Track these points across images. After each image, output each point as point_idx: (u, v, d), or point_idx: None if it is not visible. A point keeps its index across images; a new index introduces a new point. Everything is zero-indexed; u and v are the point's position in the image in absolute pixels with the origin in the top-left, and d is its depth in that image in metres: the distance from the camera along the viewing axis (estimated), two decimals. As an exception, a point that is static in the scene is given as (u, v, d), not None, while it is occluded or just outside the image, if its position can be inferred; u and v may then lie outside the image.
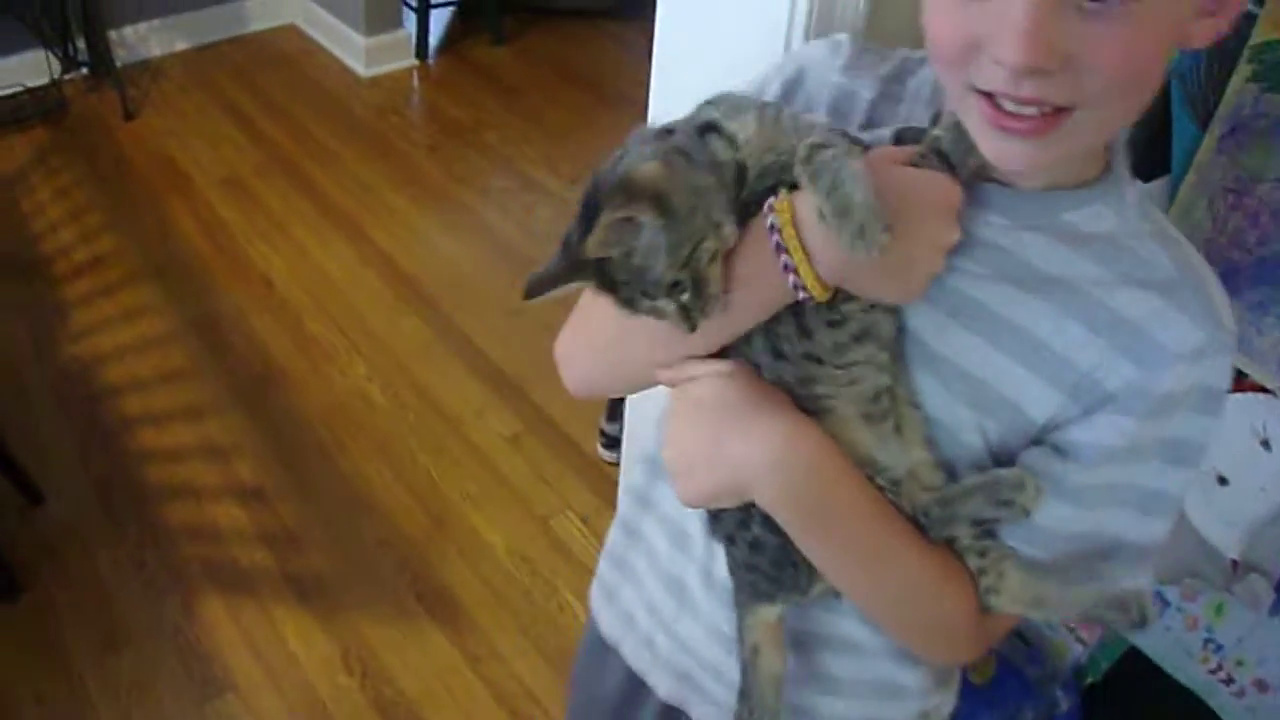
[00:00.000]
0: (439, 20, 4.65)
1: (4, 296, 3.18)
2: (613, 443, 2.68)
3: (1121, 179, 0.88)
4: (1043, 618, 0.92)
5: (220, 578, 2.44)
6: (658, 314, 0.81)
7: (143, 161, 3.79)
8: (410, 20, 4.47)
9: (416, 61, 4.49)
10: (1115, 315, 0.84)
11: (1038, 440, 0.88)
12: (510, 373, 2.97)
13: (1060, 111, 0.75)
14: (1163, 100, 1.53)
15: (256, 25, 4.64)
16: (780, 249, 0.79)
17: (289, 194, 3.64)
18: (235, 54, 4.49)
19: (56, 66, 4.02)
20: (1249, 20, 1.39)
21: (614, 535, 1.19)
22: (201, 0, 4.46)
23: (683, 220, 0.79)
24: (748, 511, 0.89)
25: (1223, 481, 1.61)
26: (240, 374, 2.95)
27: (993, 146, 0.80)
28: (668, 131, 0.84)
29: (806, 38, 1.24)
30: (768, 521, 0.88)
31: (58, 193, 3.60)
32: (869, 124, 0.94)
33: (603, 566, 1.22)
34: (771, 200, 0.80)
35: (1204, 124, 1.48)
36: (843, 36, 1.00)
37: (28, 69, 4.02)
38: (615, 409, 2.60)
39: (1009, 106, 0.76)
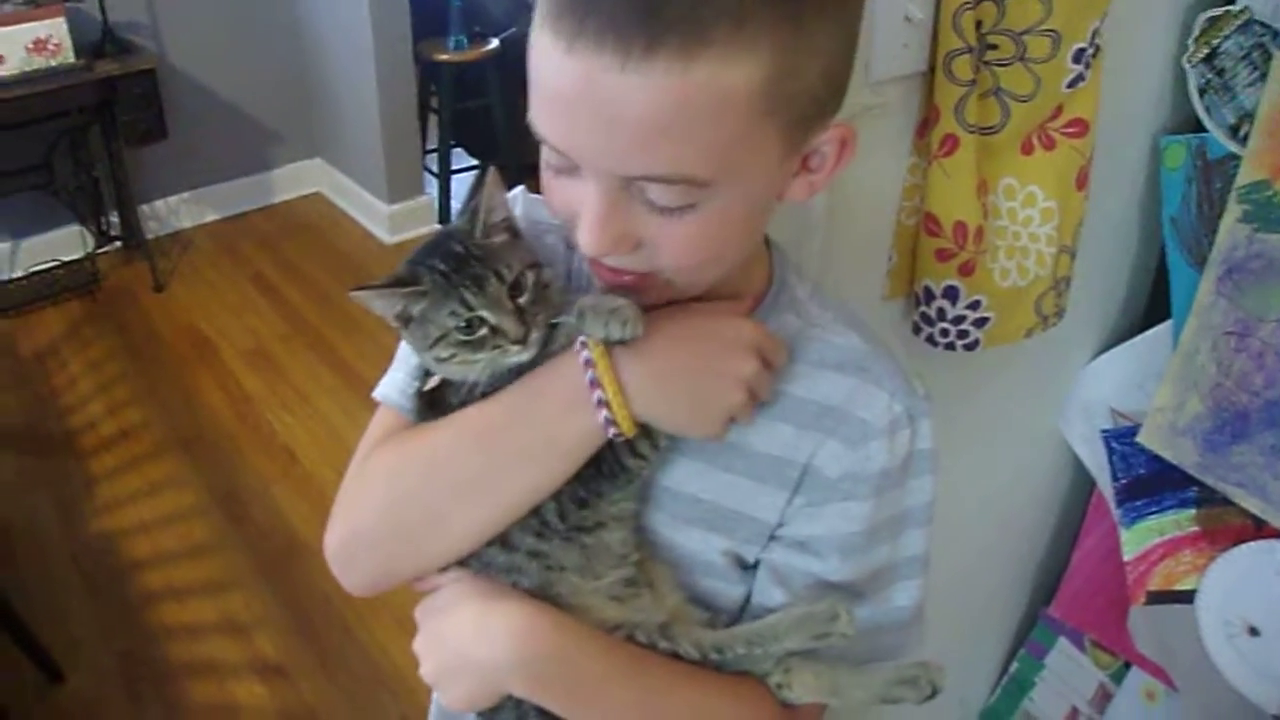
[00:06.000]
0: (461, 185, 4.85)
1: (33, 471, 3.34)
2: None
3: (788, 282, 0.97)
4: (843, 704, 0.97)
5: (241, 756, 2.51)
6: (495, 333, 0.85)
7: (171, 333, 3.99)
8: (433, 186, 4.69)
9: (440, 227, 4.66)
10: (820, 405, 0.91)
11: (775, 536, 0.94)
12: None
13: (645, 274, 0.84)
14: (1159, 245, 1.59)
15: (283, 195, 4.90)
16: (594, 384, 0.84)
17: (313, 364, 3.80)
18: (263, 224, 4.73)
19: (90, 241, 4.27)
20: (1235, 161, 1.44)
21: None
22: (229, 172, 4.72)
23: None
24: (519, 704, 0.91)
25: (1254, 632, 1.61)
26: (263, 548, 3.06)
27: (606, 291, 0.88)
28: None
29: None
30: (541, 709, 0.90)
31: (88, 366, 3.80)
32: (568, 270, 1.01)
33: None
34: (583, 338, 0.85)
35: (1200, 266, 1.51)
36: (518, 191, 1.05)
37: (62, 244, 4.29)
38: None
39: (607, 263, 0.84)
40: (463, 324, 0.84)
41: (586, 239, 0.79)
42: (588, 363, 0.84)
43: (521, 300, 0.85)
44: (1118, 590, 1.75)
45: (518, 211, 1.02)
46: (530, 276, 0.86)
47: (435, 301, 0.85)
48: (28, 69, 3.60)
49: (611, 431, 0.85)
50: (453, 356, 0.86)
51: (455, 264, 0.85)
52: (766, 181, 0.81)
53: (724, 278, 0.90)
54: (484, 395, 0.89)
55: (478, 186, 0.88)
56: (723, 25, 0.70)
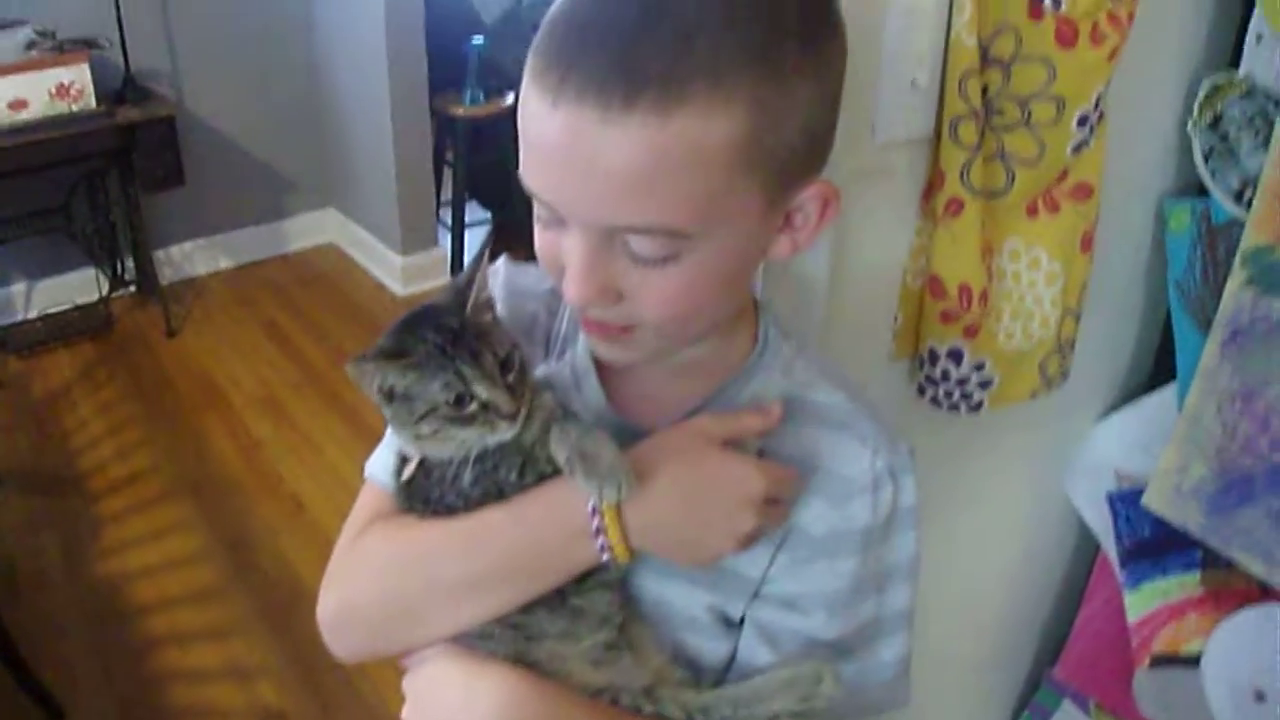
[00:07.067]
0: (475, 238, 4.88)
1: (41, 511, 3.35)
2: None
3: (774, 343, 0.98)
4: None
5: (239, 805, 2.50)
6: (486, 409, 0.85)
7: (182, 378, 4.01)
8: (446, 239, 4.71)
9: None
10: (805, 464, 0.92)
11: (760, 594, 0.94)
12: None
13: (629, 326, 0.86)
14: (1164, 308, 1.60)
15: (297, 244, 4.94)
16: (599, 531, 0.86)
17: (323, 413, 3.82)
18: (276, 272, 4.76)
19: (105, 284, 4.31)
20: (1239, 225, 1.44)
21: None
22: (245, 220, 4.77)
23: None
24: None
25: (1260, 697, 1.58)
26: (268, 595, 3.06)
27: (592, 344, 0.93)
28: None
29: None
30: None
31: (100, 408, 3.81)
32: (547, 334, 1.05)
33: None
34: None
35: (1206, 329, 1.51)
36: (500, 262, 1.09)
37: (77, 287, 4.33)
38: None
39: (591, 315, 0.87)
40: (454, 398, 0.85)
41: (572, 290, 0.82)
42: (595, 510, 0.86)
43: (510, 378, 0.87)
44: (1122, 653, 1.75)
45: (500, 279, 1.06)
46: (517, 356, 0.88)
47: (427, 374, 0.85)
48: (50, 114, 3.65)
49: (607, 559, 0.87)
50: (436, 432, 0.87)
51: (451, 337, 0.86)
52: (748, 236, 0.83)
53: (708, 335, 0.92)
54: (468, 490, 0.90)
55: (477, 264, 0.90)
56: (700, 81, 0.73)
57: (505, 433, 0.87)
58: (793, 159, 0.81)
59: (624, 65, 0.73)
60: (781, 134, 0.78)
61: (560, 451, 0.87)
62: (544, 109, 0.76)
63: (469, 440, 0.87)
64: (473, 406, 0.85)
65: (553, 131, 0.76)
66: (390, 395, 0.87)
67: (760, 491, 0.87)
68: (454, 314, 0.88)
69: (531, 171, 0.81)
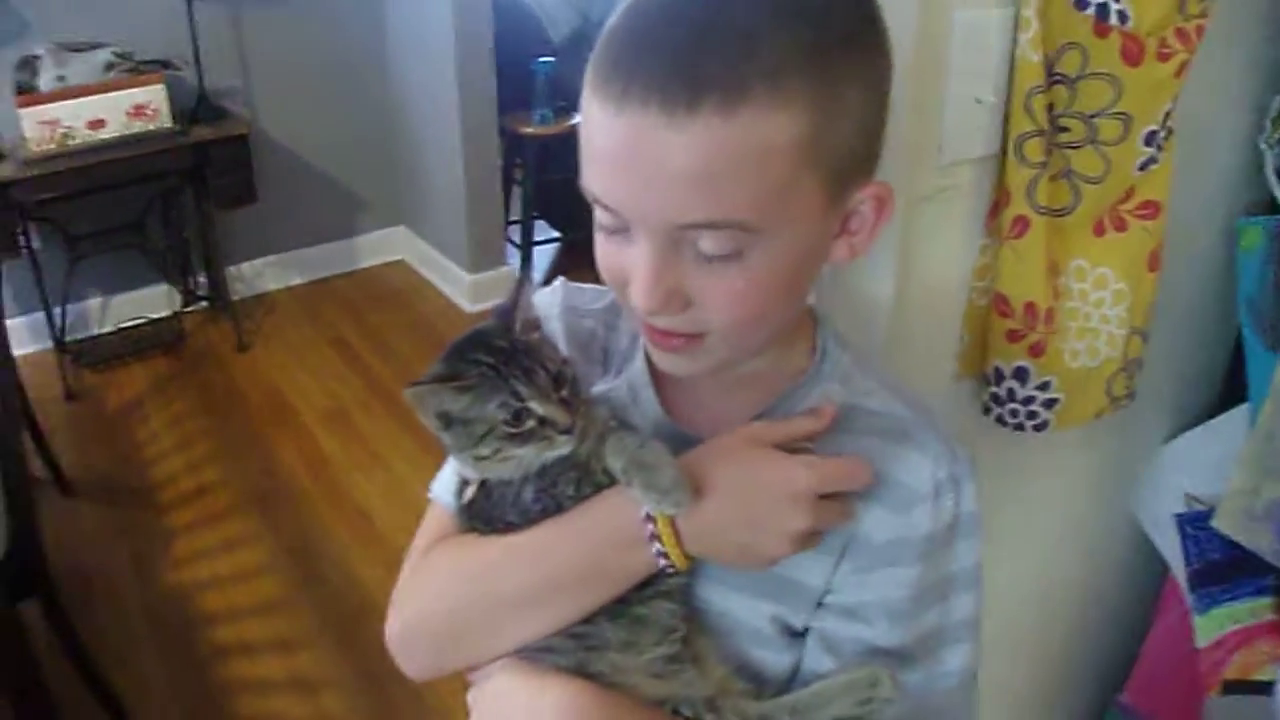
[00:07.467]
0: (543, 257, 4.92)
1: (112, 520, 3.42)
2: None
3: (832, 354, 0.99)
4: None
5: (303, 815, 2.53)
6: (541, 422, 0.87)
7: (252, 393, 4.08)
8: (515, 257, 4.75)
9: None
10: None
11: (822, 603, 0.94)
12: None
13: (697, 335, 0.87)
14: (1235, 327, 1.59)
15: (367, 261, 5.02)
16: (653, 536, 0.87)
17: (391, 429, 3.86)
18: (346, 289, 4.84)
19: (178, 300, 4.41)
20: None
21: None
22: (316, 237, 4.85)
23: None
24: None
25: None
26: (334, 607, 3.09)
27: (657, 358, 0.93)
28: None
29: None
30: None
31: (171, 421, 3.89)
32: (605, 351, 1.07)
33: None
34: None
35: (1277, 348, 1.51)
36: (558, 282, 1.11)
37: (151, 302, 4.43)
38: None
39: (658, 324, 0.87)
40: (510, 416, 0.86)
41: (639, 296, 0.83)
42: (648, 517, 0.87)
43: (564, 393, 0.88)
44: (1192, 678, 1.72)
45: (558, 299, 1.08)
46: (568, 371, 0.90)
47: (482, 395, 0.87)
48: (127, 133, 3.74)
49: (664, 565, 0.89)
50: (496, 453, 0.88)
51: (503, 357, 0.87)
52: (810, 235, 0.85)
53: (769, 345, 0.94)
54: (528, 508, 0.92)
55: (519, 286, 0.92)
56: (759, 84, 0.75)
57: (563, 447, 0.88)
58: (850, 158, 0.83)
59: (685, 71, 0.75)
60: (839, 133, 0.80)
61: (616, 461, 0.88)
62: (607, 117, 0.78)
63: (528, 458, 0.89)
64: (530, 423, 0.87)
65: (617, 138, 0.78)
66: (447, 420, 0.89)
67: (809, 488, 0.87)
68: (502, 335, 0.90)
69: (596, 179, 0.83)
